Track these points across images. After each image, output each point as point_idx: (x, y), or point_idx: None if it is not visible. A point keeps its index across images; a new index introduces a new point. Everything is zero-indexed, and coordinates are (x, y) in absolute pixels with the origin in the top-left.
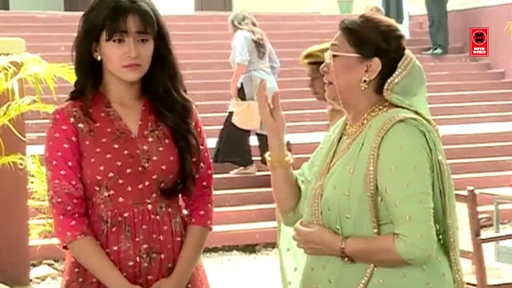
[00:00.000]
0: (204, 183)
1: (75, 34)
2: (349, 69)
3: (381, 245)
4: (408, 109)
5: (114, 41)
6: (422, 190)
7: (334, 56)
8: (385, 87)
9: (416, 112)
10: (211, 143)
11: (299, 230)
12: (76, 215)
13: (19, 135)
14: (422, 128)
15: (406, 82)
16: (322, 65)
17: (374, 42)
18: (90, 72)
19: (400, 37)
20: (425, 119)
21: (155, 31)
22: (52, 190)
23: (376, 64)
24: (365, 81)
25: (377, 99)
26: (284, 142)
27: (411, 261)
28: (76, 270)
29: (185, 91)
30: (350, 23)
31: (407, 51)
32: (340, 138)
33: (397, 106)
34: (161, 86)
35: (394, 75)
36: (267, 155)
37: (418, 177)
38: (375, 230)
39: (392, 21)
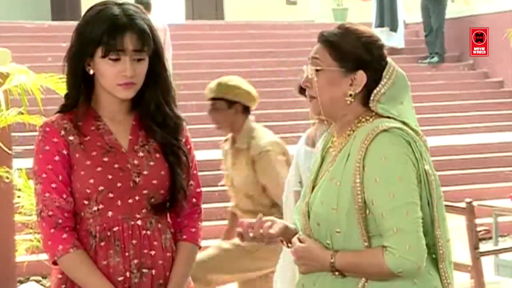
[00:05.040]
0: (194, 200)
1: (63, 44)
2: (333, 83)
3: (370, 258)
4: (395, 119)
5: (110, 59)
6: (409, 201)
7: (317, 70)
8: (371, 98)
9: (404, 123)
10: (202, 155)
11: (293, 244)
12: (67, 228)
13: (5, 148)
14: (407, 138)
15: (392, 91)
16: (304, 80)
17: (357, 54)
18: (82, 86)
19: (382, 46)
20: (412, 129)
21: (151, 48)
22: (41, 204)
23: (360, 77)
24: (350, 95)
25: (363, 110)
26: (293, 229)
27: (401, 274)
28: (63, 286)
29: (176, 106)
30: (330, 35)
31: (389, 60)
32: (326, 152)
33: (383, 116)
34: (153, 102)
35: (380, 85)
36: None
37: (403, 187)
38: (366, 244)
39: (372, 31)
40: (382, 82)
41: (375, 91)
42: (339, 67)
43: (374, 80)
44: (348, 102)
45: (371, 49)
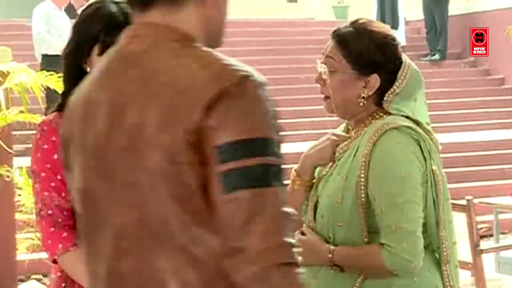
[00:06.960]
0: None
1: None
2: (346, 85)
3: (367, 254)
4: (409, 118)
5: None
6: (410, 199)
7: (330, 71)
8: (385, 98)
9: (417, 122)
10: None
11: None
12: (67, 227)
13: (6, 147)
14: (416, 137)
15: (406, 90)
16: (317, 77)
17: (371, 57)
18: (79, 84)
19: (397, 46)
20: (424, 128)
21: None
22: (41, 203)
23: (374, 80)
24: (363, 97)
25: (376, 108)
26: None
27: (396, 272)
28: (63, 284)
29: None
30: (344, 35)
31: (403, 58)
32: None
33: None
34: None
35: (394, 86)
36: (295, 173)
37: (406, 186)
38: (366, 239)
39: (386, 29)
40: (397, 83)
41: (389, 92)
42: (352, 70)
43: (388, 81)
44: (361, 104)
45: (386, 51)
